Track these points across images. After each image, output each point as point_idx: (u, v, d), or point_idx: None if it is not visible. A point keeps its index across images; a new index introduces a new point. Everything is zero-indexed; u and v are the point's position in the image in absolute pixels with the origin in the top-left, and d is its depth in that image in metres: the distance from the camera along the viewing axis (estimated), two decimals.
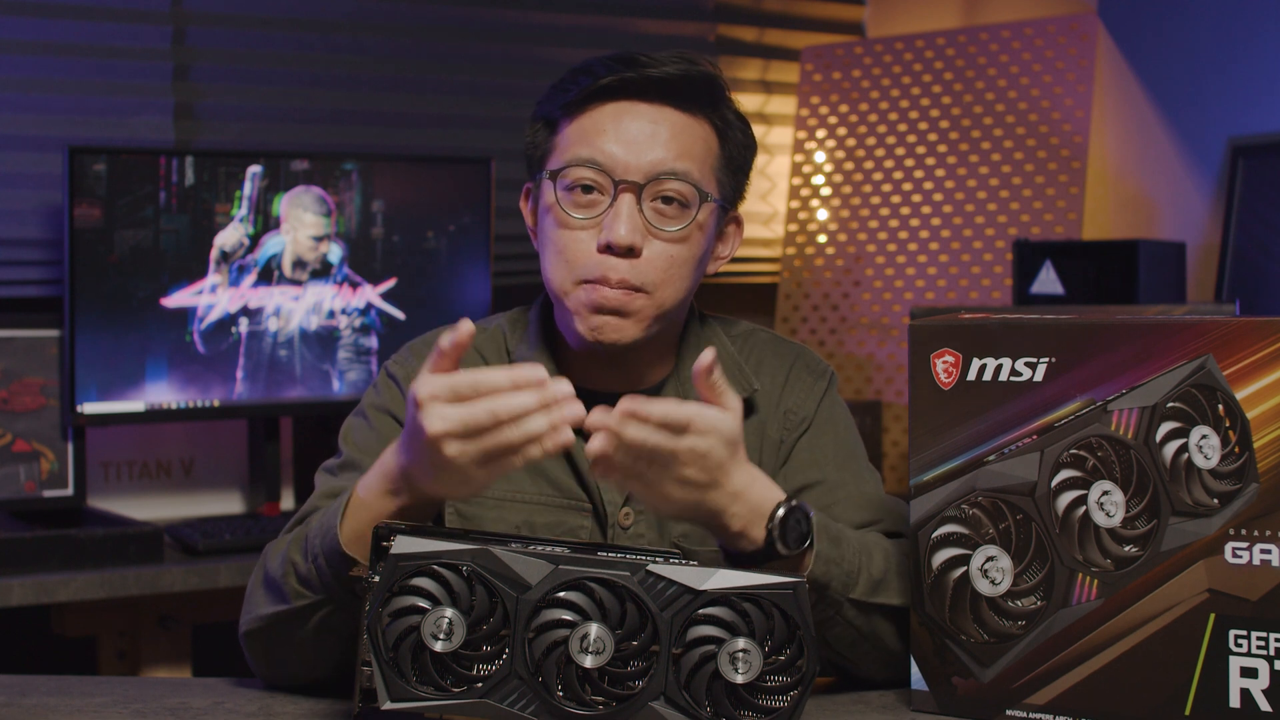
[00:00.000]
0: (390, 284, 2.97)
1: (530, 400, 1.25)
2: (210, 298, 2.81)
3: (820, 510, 1.57)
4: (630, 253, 1.50)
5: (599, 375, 1.60)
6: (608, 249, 1.50)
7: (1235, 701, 1.26)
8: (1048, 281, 2.99)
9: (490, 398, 1.25)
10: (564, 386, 1.26)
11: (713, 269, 1.62)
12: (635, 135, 1.52)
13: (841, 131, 3.69)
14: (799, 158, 3.75)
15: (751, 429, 1.61)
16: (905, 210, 3.59)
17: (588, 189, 1.52)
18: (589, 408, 1.57)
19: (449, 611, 1.20)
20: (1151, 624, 1.29)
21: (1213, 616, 1.27)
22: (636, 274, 1.51)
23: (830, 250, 3.69)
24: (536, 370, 1.26)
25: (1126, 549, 1.30)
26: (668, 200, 1.52)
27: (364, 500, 1.36)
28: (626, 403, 1.29)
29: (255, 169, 2.83)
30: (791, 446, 1.61)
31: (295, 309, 2.88)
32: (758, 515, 1.37)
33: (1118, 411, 1.30)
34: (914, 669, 1.38)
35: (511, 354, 1.61)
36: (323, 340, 2.92)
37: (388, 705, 1.20)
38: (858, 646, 1.44)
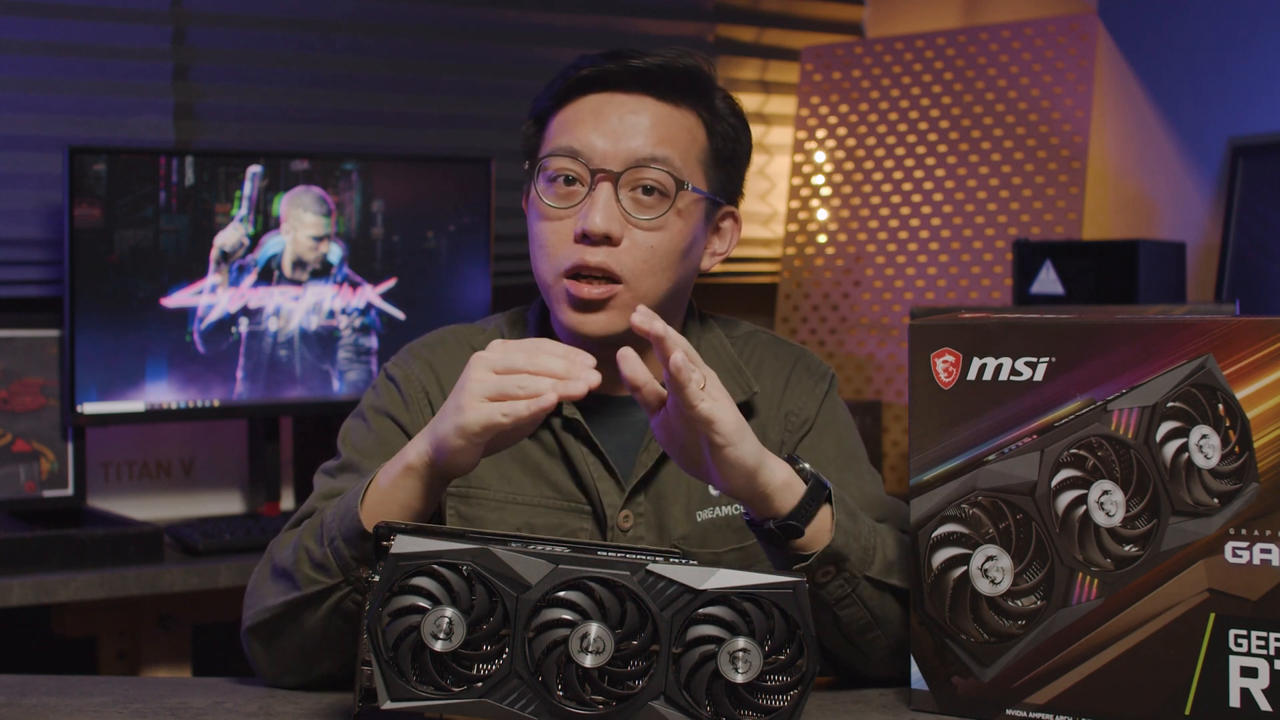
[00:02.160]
0: (390, 284, 2.97)
1: (558, 364, 1.31)
2: (210, 298, 2.81)
3: None
4: (607, 240, 1.50)
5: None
6: (584, 237, 1.50)
7: (1235, 701, 1.26)
8: (1048, 281, 2.99)
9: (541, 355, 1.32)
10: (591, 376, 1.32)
11: (708, 265, 1.61)
12: (614, 125, 1.52)
13: (841, 131, 3.69)
14: (799, 158, 3.75)
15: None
16: (905, 210, 3.59)
17: (569, 179, 1.52)
18: (588, 409, 1.58)
19: (449, 611, 1.20)
20: (1151, 624, 1.29)
21: (1213, 616, 1.27)
22: (614, 261, 1.51)
23: (830, 250, 3.69)
24: (589, 362, 1.32)
25: (1126, 549, 1.30)
26: (647, 190, 1.52)
27: (379, 482, 1.37)
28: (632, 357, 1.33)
29: (255, 169, 2.83)
30: (793, 448, 1.61)
31: (295, 309, 2.88)
32: (782, 467, 1.39)
33: (1118, 411, 1.30)
34: (914, 669, 1.38)
35: None
36: (323, 340, 2.92)
37: (388, 705, 1.20)
38: (869, 630, 1.44)
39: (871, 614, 1.43)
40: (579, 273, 1.51)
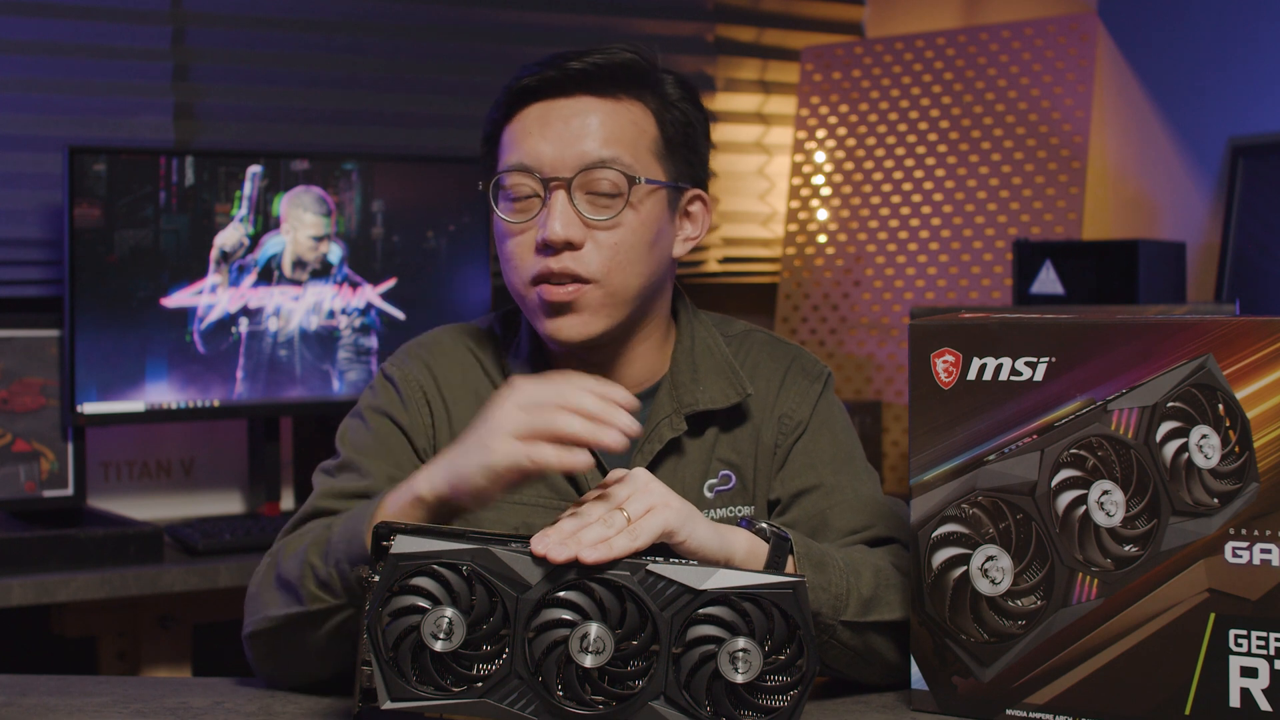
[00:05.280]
0: (390, 284, 2.97)
1: (592, 403, 1.29)
2: (210, 298, 2.81)
3: (817, 514, 1.57)
4: (569, 247, 1.51)
5: None
6: (545, 247, 1.51)
7: (1235, 701, 1.26)
8: (1048, 281, 2.99)
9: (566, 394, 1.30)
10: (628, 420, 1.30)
11: (680, 251, 1.61)
12: (559, 131, 1.52)
13: (841, 131, 3.69)
14: (799, 158, 3.75)
15: (746, 435, 1.61)
16: (905, 210, 3.59)
17: (523, 194, 1.53)
18: None
19: (449, 611, 1.20)
20: (1151, 624, 1.29)
21: (1213, 616, 1.27)
22: (580, 264, 1.51)
23: (830, 250, 3.69)
24: (630, 400, 1.31)
25: (1126, 548, 1.30)
26: (601, 190, 1.52)
27: (386, 509, 1.36)
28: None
29: (255, 169, 2.83)
30: (788, 451, 1.61)
31: (295, 309, 2.88)
32: (741, 536, 1.38)
33: (1118, 411, 1.30)
34: (914, 669, 1.38)
35: (504, 356, 1.61)
36: (323, 340, 2.92)
37: (388, 705, 1.20)
38: (855, 664, 1.44)
39: (854, 652, 1.42)
40: (546, 279, 1.52)
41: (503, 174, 1.54)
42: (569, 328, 1.52)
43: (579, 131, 1.52)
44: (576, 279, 1.51)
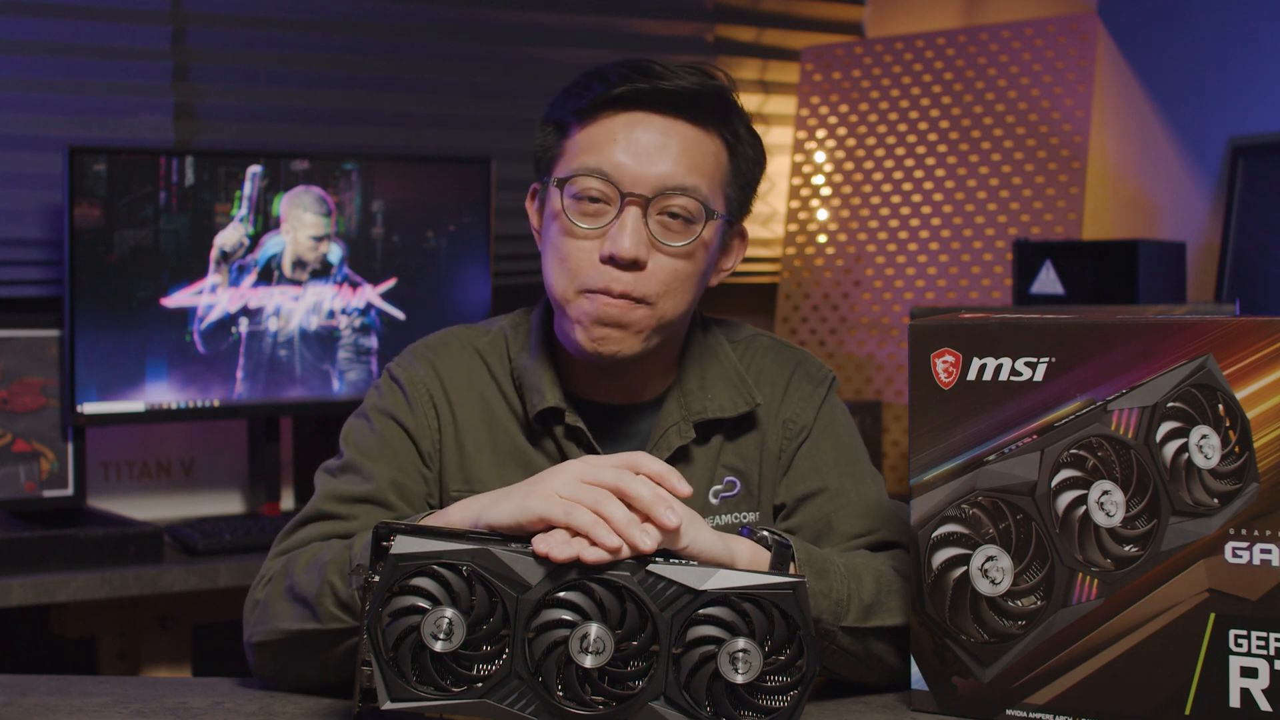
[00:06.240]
0: (390, 284, 2.97)
1: (647, 490, 1.26)
2: (210, 298, 2.81)
3: (822, 518, 1.57)
4: (634, 265, 1.50)
5: (600, 386, 1.59)
6: (611, 260, 1.49)
7: (1235, 701, 1.26)
8: (1048, 281, 2.99)
9: (606, 501, 1.25)
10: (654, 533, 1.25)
11: (715, 281, 1.62)
12: (645, 147, 1.50)
13: (841, 131, 3.69)
14: (799, 158, 3.75)
15: (751, 441, 1.61)
16: (905, 210, 3.59)
17: (595, 199, 1.51)
18: (590, 418, 1.58)
19: (449, 611, 1.20)
20: (1151, 624, 1.29)
21: (1213, 616, 1.27)
22: (639, 286, 1.50)
23: (830, 250, 3.69)
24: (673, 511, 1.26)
25: (1126, 549, 1.30)
26: (674, 215, 1.51)
27: None
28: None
29: (255, 169, 2.83)
30: (792, 456, 1.61)
31: (295, 309, 2.88)
32: (744, 544, 1.37)
33: (1118, 411, 1.30)
34: (914, 669, 1.38)
35: (513, 360, 1.60)
36: (323, 340, 2.92)
37: (388, 705, 1.20)
38: (856, 669, 1.43)
39: (855, 657, 1.42)
40: (602, 292, 1.50)
41: (578, 175, 1.51)
42: (612, 343, 1.51)
43: (663, 152, 1.51)
44: (630, 298, 1.50)
